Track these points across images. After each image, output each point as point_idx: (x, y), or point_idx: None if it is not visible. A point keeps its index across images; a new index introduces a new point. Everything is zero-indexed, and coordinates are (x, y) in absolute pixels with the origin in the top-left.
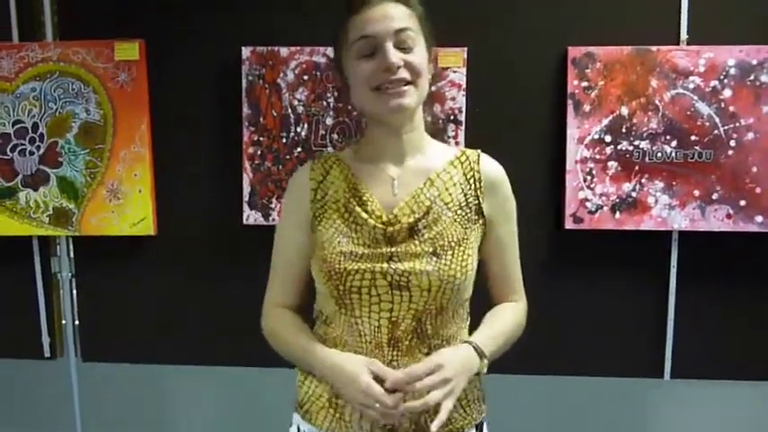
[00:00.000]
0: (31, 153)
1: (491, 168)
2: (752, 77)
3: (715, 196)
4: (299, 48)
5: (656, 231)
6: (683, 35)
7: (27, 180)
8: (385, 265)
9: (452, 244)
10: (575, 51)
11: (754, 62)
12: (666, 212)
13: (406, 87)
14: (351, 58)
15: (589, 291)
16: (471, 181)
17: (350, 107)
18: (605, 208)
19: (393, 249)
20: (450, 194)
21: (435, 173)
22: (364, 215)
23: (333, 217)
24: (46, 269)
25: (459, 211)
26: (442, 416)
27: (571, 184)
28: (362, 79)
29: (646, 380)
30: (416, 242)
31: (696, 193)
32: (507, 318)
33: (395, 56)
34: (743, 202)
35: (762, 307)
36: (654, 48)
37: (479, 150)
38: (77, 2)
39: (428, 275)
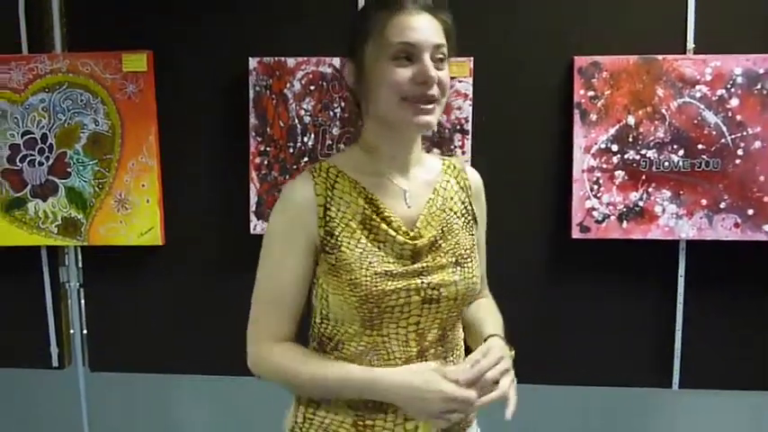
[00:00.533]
0: (41, 164)
1: (476, 175)
2: (759, 86)
3: (722, 205)
4: (305, 58)
5: (664, 241)
6: (690, 44)
7: (36, 190)
8: (418, 280)
9: (468, 251)
10: (581, 61)
11: (761, 71)
12: (674, 222)
13: (432, 105)
14: (383, 58)
15: (596, 300)
16: (464, 188)
17: (355, 108)
18: (612, 217)
19: (422, 265)
20: (454, 203)
21: (438, 183)
22: (391, 232)
23: (355, 235)
24: (54, 279)
25: (462, 219)
26: (513, 404)
27: (578, 193)
28: (394, 86)
29: (654, 390)
30: (440, 254)
31: (703, 202)
32: (495, 311)
33: (434, 70)
34: (750, 211)
35: None
36: (660, 57)
37: (460, 158)
38: (86, 14)
39: (456, 285)
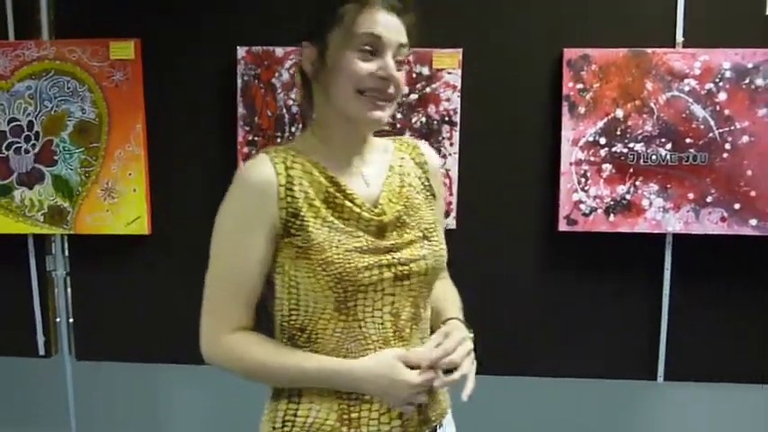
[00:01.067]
0: (27, 151)
1: (432, 151)
2: (747, 81)
3: (709, 199)
4: (294, 48)
5: (651, 234)
6: (679, 38)
7: (22, 178)
8: (389, 256)
9: (433, 225)
10: (570, 53)
11: (750, 65)
12: (661, 215)
13: (386, 102)
14: (348, 48)
15: (582, 293)
16: (420, 164)
17: (307, 93)
18: (599, 210)
19: (391, 241)
20: (412, 179)
21: (393, 162)
22: (356, 209)
23: (320, 214)
24: (41, 267)
25: (423, 194)
26: (471, 384)
27: (565, 186)
28: (354, 77)
29: (639, 382)
30: (407, 230)
31: (690, 195)
32: (455, 292)
33: (395, 69)
34: (737, 206)
35: (756, 310)
36: (649, 50)
37: (412, 137)
38: (73, 1)
39: (425, 260)
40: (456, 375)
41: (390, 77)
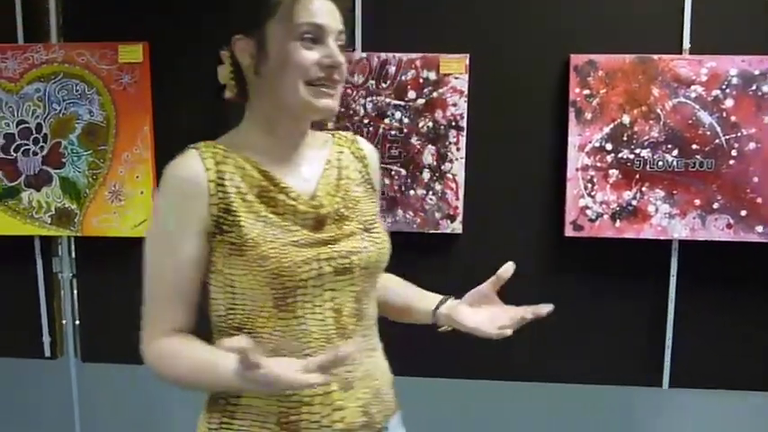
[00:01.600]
0: (35, 153)
1: (370, 145)
2: (754, 87)
3: (716, 206)
4: None
5: (656, 240)
6: (686, 44)
7: (30, 180)
8: (328, 249)
9: (374, 217)
10: (577, 59)
11: (757, 72)
12: (667, 221)
13: (335, 90)
14: (289, 39)
15: (588, 299)
16: (359, 158)
17: (239, 86)
18: (606, 216)
19: (330, 234)
20: (350, 172)
21: (330, 156)
22: (291, 202)
23: (253, 209)
24: (47, 269)
25: (362, 187)
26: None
27: (572, 191)
28: (301, 68)
29: (644, 389)
30: (347, 223)
31: (697, 202)
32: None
33: (340, 54)
34: (743, 212)
35: (762, 316)
36: (656, 56)
37: (351, 132)
38: (82, 4)
39: (367, 251)
40: (329, 355)
41: (337, 63)
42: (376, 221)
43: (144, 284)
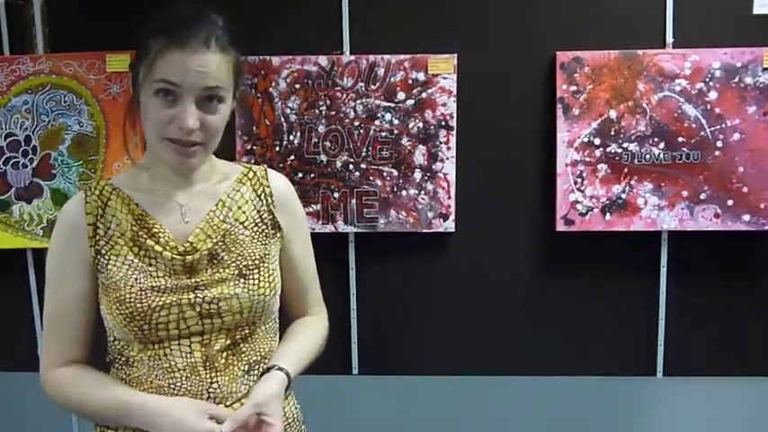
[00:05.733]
0: (24, 166)
1: (280, 183)
2: (736, 79)
3: (703, 196)
4: (290, 57)
5: (646, 232)
6: (669, 39)
7: (20, 193)
8: (192, 295)
9: (257, 262)
10: (563, 56)
11: (739, 64)
12: (656, 213)
13: (194, 148)
14: (147, 88)
15: (580, 292)
16: (262, 196)
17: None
18: (596, 210)
19: (197, 279)
20: (243, 213)
21: (225, 194)
22: (158, 248)
23: (122, 252)
24: (40, 282)
25: (255, 228)
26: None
27: (561, 186)
28: (155, 122)
29: (638, 378)
30: (220, 268)
31: (684, 193)
32: (309, 333)
33: (192, 118)
34: (730, 202)
35: (751, 303)
36: (640, 52)
37: (265, 166)
38: (68, 14)
39: (238, 298)
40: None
41: (185, 129)
42: (258, 266)
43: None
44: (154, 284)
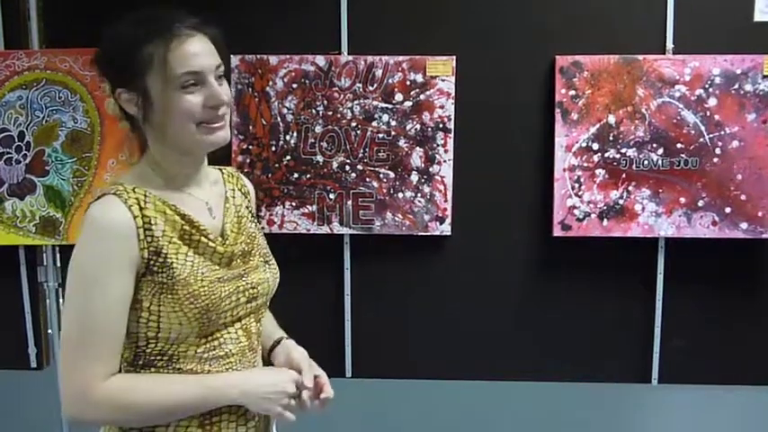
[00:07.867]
0: (18, 162)
1: (249, 182)
2: (736, 86)
3: (701, 203)
4: (288, 56)
5: (643, 238)
6: (669, 44)
7: (13, 189)
8: (243, 282)
9: (268, 250)
10: (562, 60)
11: (739, 71)
12: (653, 219)
13: (223, 123)
14: (170, 89)
15: (577, 297)
16: (245, 194)
17: (134, 133)
18: (593, 215)
19: (242, 269)
20: (242, 208)
21: (226, 192)
22: (211, 243)
23: (181, 250)
24: (32, 279)
25: (253, 222)
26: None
27: (559, 191)
28: (187, 114)
29: (633, 385)
30: (249, 257)
31: (682, 200)
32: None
33: (223, 93)
34: (728, 209)
35: (748, 312)
36: (640, 57)
37: (235, 167)
38: (64, 9)
39: (268, 282)
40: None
41: (221, 104)
42: (269, 253)
43: (69, 335)
44: (217, 276)
